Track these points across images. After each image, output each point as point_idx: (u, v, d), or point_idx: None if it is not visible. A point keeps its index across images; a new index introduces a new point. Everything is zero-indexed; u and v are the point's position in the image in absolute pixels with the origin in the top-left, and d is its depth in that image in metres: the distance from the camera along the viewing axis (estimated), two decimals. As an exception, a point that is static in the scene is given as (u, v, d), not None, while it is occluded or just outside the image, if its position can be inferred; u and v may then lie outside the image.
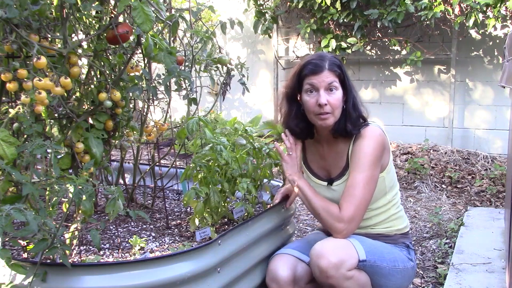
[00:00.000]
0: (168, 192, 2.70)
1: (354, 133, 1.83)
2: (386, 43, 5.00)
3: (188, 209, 2.39)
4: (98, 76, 2.00)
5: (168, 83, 1.88)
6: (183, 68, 2.19)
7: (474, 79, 4.84)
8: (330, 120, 1.82)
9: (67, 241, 1.76)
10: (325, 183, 1.93)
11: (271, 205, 2.10)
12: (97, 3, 1.85)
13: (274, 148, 2.10)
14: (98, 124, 1.86)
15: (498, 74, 4.58)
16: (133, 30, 1.72)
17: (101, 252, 1.91)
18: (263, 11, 5.35)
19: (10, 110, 1.62)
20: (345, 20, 4.75)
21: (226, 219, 2.18)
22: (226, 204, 2.13)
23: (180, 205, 2.50)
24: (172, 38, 2.26)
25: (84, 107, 1.94)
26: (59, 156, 1.76)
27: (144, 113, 2.35)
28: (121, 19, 1.75)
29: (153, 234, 2.09)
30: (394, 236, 1.92)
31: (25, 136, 1.76)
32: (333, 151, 1.91)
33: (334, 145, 1.89)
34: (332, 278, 1.68)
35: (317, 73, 1.78)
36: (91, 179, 1.52)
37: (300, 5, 4.91)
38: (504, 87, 2.44)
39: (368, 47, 5.11)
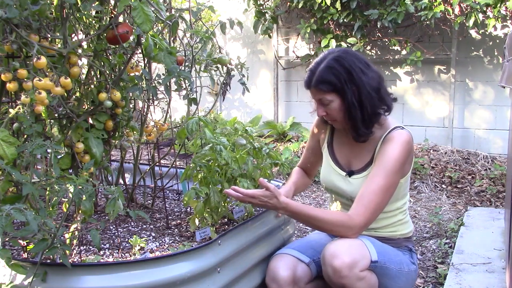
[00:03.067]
0: (168, 192, 2.70)
1: (359, 140, 1.82)
2: (386, 43, 5.00)
3: (188, 209, 2.39)
4: (98, 76, 2.00)
5: (168, 83, 1.88)
6: (183, 68, 2.19)
7: (474, 79, 4.84)
8: (336, 124, 1.88)
9: (67, 241, 1.76)
10: (344, 173, 1.90)
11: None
12: (97, 3, 1.85)
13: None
14: (98, 124, 1.86)
15: (498, 74, 4.58)
16: (133, 30, 1.72)
17: (101, 252, 1.90)
18: (263, 11, 5.35)
19: (10, 110, 1.62)
20: (345, 20, 4.75)
21: (226, 219, 2.18)
22: (226, 204, 2.13)
23: (180, 205, 2.50)
24: (172, 38, 2.26)
25: (84, 107, 1.94)
26: (59, 156, 1.77)
27: (144, 113, 2.35)
28: (121, 19, 1.75)
29: (153, 234, 2.09)
30: (397, 240, 1.91)
31: (25, 136, 1.76)
32: (360, 144, 1.87)
33: None
34: (345, 278, 1.67)
35: (307, 88, 1.83)
36: (91, 179, 1.52)
37: (300, 5, 4.91)
38: (504, 87, 2.44)
39: (368, 47, 5.11)
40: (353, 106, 1.75)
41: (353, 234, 1.74)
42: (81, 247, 1.90)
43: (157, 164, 2.48)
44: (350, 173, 1.89)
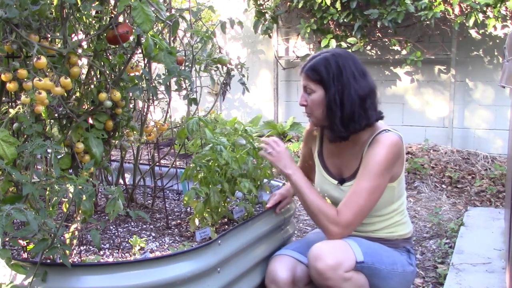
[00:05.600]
0: (168, 192, 2.70)
1: (333, 139, 1.82)
2: (386, 43, 5.00)
3: (188, 209, 2.39)
4: (98, 76, 2.00)
5: (168, 83, 1.88)
6: (183, 68, 2.19)
7: (474, 79, 4.84)
8: (313, 120, 1.87)
9: (67, 241, 1.76)
10: (335, 182, 1.90)
11: (263, 210, 2.08)
12: (97, 3, 1.85)
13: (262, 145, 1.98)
14: (98, 124, 1.86)
15: (498, 74, 4.58)
16: (133, 30, 1.72)
17: (101, 252, 1.91)
18: (263, 11, 5.35)
19: (10, 110, 1.62)
20: (345, 20, 4.75)
21: (226, 219, 2.18)
22: (226, 204, 2.13)
23: (180, 205, 2.50)
24: (172, 38, 2.26)
25: (84, 107, 1.94)
26: (59, 156, 1.77)
27: (144, 113, 2.35)
28: (121, 19, 1.75)
29: (153, 234, 2.09)
30: (395, 240, 1.90)
31: (25, 136, 1.76)
32: (348, 151, 1.88)
33: (351, 145, 1.85)
34: (330, 280, 1.67)
35: (300, 74, 1.86)
36: (91, 179, 1.52)
37: (300, 5, 4.91)
38: (504, 87, 2.44)
39: (368, 47, 5.11)
40: (334, 103, 1.76)
41: (335, 234, 1.75)
42: (81, 247, 1.90)
43: (157, 164, 2.48)
44: (342, 181, 1.89)
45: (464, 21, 4.33)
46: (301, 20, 5.05)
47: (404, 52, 4.87)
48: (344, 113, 1.76)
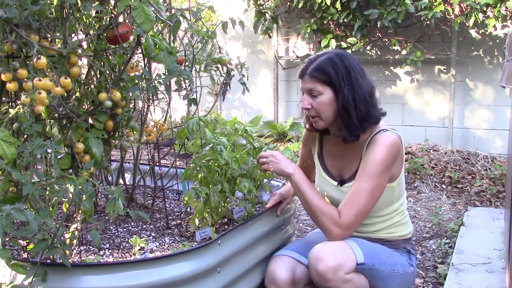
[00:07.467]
0: (168, 192, 2.70)
1: (350, 139, 1.79)
2: (386, 43, 5.00)
3: (188, 209, 2.39)
4: (98, 76, 2.00)
5: (168, 83, 1.88)
6: (183, 68, 2.19)
7: (474, 79, 4.84)
8: (319, 124, 1.84)
9: (67, 241, 1.76)
10: (335, 183, 1.90)
11: (263, 210, 2.08)
12: (97, 3, 1.85)
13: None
14: (98, 124, 1.86)
15: (498, 74, 4.58)
16: (133, 30, 1.72)
17: (101, 252, 1.91)
18: (263, 11, 5.35)
19: (10, 110, 1.62)
20: (345, 20, 4.75)
21: (226, 219, 2.18)
22: (226, 204, 2.13)
23: (180, 205, 2.50)
24: (172, 38, 2.26)
25: (84, 107, 1.94)
26: (59, 156, 1.77)
27: (144, 113, 2.35)
28: (121, 19, 1.75)
29: (153, 234, 2.09)
30: (395, 241, 1.90)
31: (25, 136, 1.76)
32: (348, 152, 1.87)
33: (351, 145, 1.84)
34: (330, 281, 1.67)
35: (301, 77, 1.82)
36: (91, 179, 1.52)
37: (300, 5, 4.91)
38: (504, 87, 2.44)
39: (368, 47, 5.11)
40: (348, 103, 1.75)
41: (337, 235, 1.75)
42: (81, 247, 1.90)
43: (157, 164, 2.48)
44: (342, 182, 1.88)
45: (464, 21, 4.33)
46: (301, 20, 5.05)
47: (404, 52, 4.87)
48: (358, 112, 1.76)
